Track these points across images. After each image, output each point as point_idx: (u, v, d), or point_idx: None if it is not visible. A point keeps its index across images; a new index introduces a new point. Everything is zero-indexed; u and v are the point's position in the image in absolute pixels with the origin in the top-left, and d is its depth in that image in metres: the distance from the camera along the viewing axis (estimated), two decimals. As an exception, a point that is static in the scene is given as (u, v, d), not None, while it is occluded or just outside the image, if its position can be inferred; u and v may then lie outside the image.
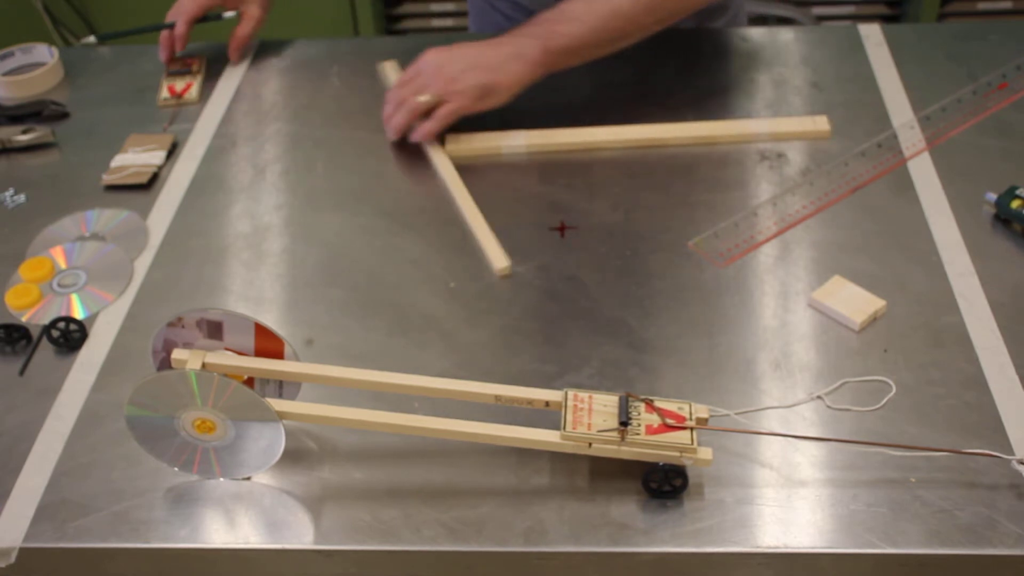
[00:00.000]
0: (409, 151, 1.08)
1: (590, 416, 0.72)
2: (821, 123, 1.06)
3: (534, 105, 1.10)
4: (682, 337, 0.85)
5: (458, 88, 1.02)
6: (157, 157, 1.09)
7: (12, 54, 1.26)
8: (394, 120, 1.05)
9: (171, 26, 1.17)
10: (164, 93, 1.18)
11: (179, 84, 1.18)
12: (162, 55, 1.20)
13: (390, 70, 1.18)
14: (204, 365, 0.73)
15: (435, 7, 2.33)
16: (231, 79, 1.22)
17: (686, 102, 1.12)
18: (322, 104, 1.16)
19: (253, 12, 1.18)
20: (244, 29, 1.19)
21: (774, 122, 1.06)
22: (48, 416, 0.82)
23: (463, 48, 1.04)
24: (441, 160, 1.04)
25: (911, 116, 1.07)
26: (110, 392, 0.84)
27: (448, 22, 2.34)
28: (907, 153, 1.02)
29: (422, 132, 1.04)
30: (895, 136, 1.04)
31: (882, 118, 1.07)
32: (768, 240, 0.93)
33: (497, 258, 0.93)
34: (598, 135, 1.06)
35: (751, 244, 0.93)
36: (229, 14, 1.17)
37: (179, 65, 1.22)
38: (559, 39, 1.04)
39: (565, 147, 1.06)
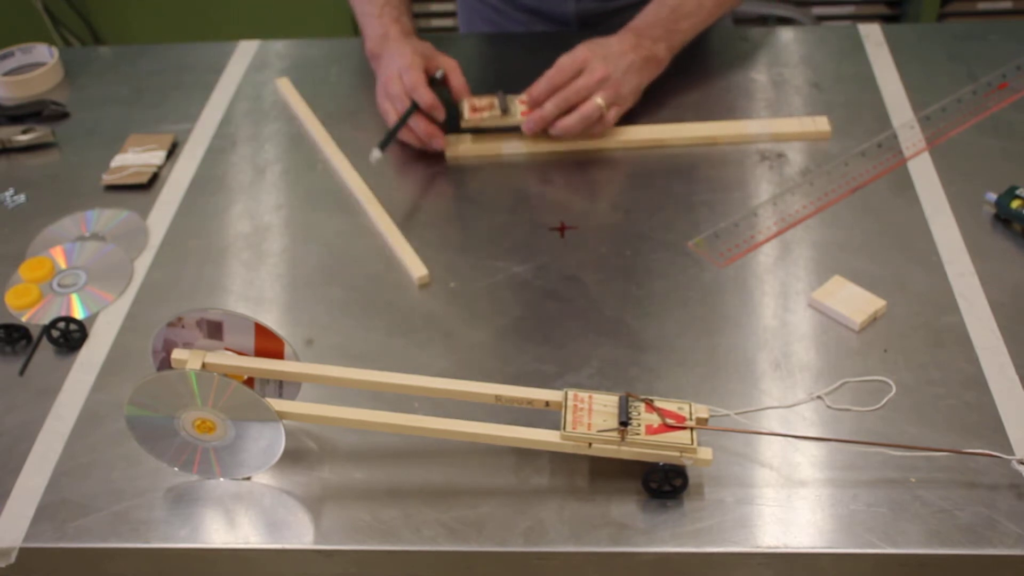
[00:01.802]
0: (408, 151, 1.08)
1: (590, 416, 0.72)
2: (821, 124, 1.06)
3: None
4: (682, 337, 0.85)
5: (623, 92, 1.04)
6: (157, 157, 1.09)
7: (12, 54, 1.26)
8: (567, 122, 1.02)
9: (416, 107, 1.03)
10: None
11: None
12: (439, 144, 1.05)
13: (285, 87, 1.19)
14: (204, 365, 0.73)
15: (435, 7, 2.33)
16: (231, 79, 1.22)
17: (686, 102, 1.12)
18: (322, 104, 1.16)
19: (450, 63, 1.07)
20: (459, 78, 1.07)
21: (775, 123, 1.06)
22: (48, 416, 0.82)
23: (611, 47, 1.04)
24: (351, 176, 1.04)
25: (911, 116, 1.07)
26: (110, 392, 0.84)
27: (448, 22, 2.35)
28: (907, 153, 1.02)
29: (565, 127, 1.02)
30: (895, 136, 1.04)
31: (882, 118, 1.07)
32: (768, 240, 0.93)
33: (416, 267, 0.93)
34: (598, 139, 1.06)
35: (751, 244, 0.93)
36: (439, 73, 1.06)
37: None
38: (681, 36, 1.08)
39: (566, 148, 1.06)
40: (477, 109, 1.05)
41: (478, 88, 1.08)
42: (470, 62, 1.18)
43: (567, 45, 1.05)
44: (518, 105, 1.05)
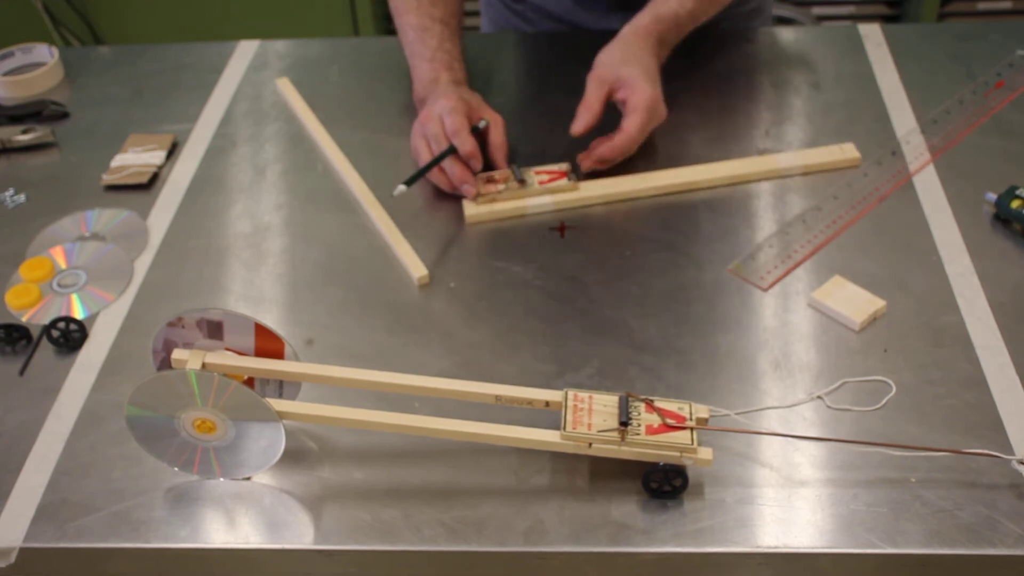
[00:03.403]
0: (407, 151, 1.08)
1: (590, 416, 0.72)
2: (850, 151, 1.02)
3: (542, 138, 1.10)
4: (682, 337, 0.85)
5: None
6: (157, 157, 1.09)
7: (12, 54, 1.26)
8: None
9: (453, 150, 0.99)
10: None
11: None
12: (469, 192, 0.99)
13: (285, 87, 1.19)
14: (204, 365, 0.73)
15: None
16: (231, 79, 1.22)
17: (686, 102, 1.12)
18: (322, 104, 1.16)
19: (495, 116, 1.04)
20: (500, 135, 1.03)
21: (804, 154, 1.02)
22: (48, 416, 0.82)
23: (653, 69, 1.02)
24: (351, 176, 1.04)
25: (913, 117, 1.07)
26: (110, 392, 0.84)
27: (472, 20, 2.34)
28: (924, 158, 1.01)
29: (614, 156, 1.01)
30: (911, 143, 1.03)
31: (882, 118, 1.07)
32: (807, 258, 0.91)
33: (416, 267, 0.92)
34: (628, 184, 1.00)
35: (790, 264, 0.91)
36: (482, 123, 1.01)
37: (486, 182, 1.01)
38: (663, 27, 1.07)
39: (593, 200, 1.00)
40: (493, 181, 1.00)
41: (498, 92, 1.07)
42: (491, 63, 1.18)
43: (596, 45, 1.03)
44: (534, 175, 1.01)
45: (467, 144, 0.99)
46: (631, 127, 0.99)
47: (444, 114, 1.00)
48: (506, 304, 0.89)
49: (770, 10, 1.36)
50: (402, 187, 0.96)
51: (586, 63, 1.03)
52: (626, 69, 1.00)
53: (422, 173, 0.99)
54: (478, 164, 1.00)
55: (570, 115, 1.01)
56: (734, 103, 1.12)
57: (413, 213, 1.00)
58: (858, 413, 0.77)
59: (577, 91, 1.01)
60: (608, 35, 1.06)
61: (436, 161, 0.99)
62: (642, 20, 1.06)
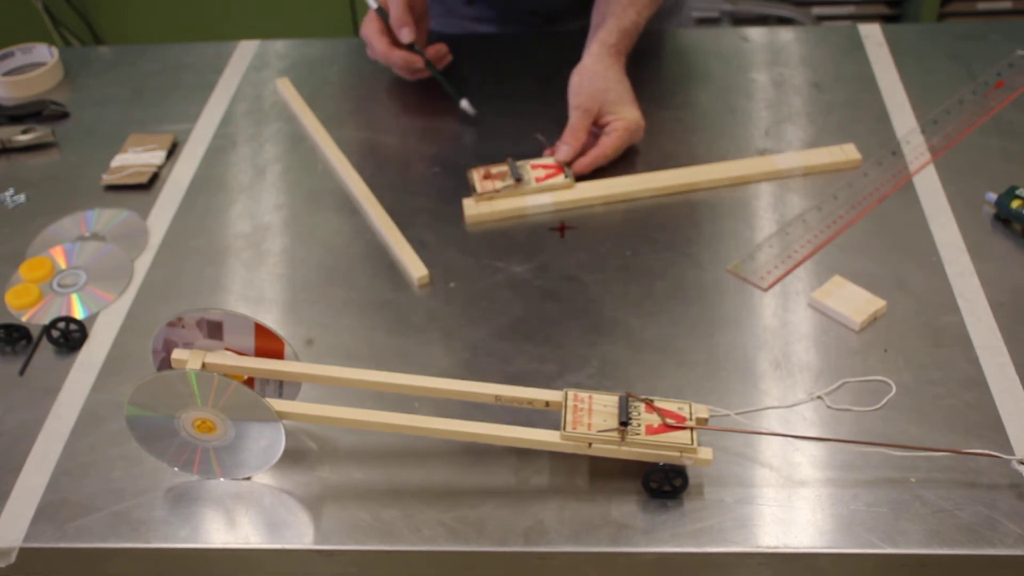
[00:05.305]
0: (407, 151, 1.08)
1: (590, 416, 0.72)
2: (850, 152, 1.02)
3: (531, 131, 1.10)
4: (682, 337, 0.85)
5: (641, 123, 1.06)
6: (157, 157, 1.09)
7: (12, 54, 1.26)
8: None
9: (423, 53, 1.13)
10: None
11: None
12: (405, 36, 1.11)
13: (285, 87, 1.19)
14: (204, 365, 0.73)
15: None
16: (231, 79, 1.22)
17: (687, 102, 1.12)
18: (322, 104, 1.16)
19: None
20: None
21: (805, 155, 1.02)
22: (48, 416, 0.82)
23: (631, 90, 1.05)
24: (351, 176, 1.04)
25: (913, 117, 1.07)
26: (110, 392, 0.84)
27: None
28: (923, 159, 1.01)
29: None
30: (911, 143, 1.03)
31: (882, 118, 1.07)
32: (807, 258, 0.91)
33: (416, 267, 0.92)
34: (628, 184, 1.00)
35: (790, 264, 0.91)
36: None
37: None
38: (629, 40, 1.08)
39: (593, 200, 1.00)
40: (489, 177, 1.00)
41: (497, 89, 1.07)
42: (494, 60, 1.18)
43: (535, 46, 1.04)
44: (531, 170, 1.01)
45: (399, 11, 1.10)
46: (607, 146, 1.02)
47: (392, 21, 1.12)
48: (506, 304, 0.89)
49: (688, 11, 1.35)
50: (464, 101, 1.11)
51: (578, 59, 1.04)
52: (610, 96, 1.03)
53: (450, 85, 1.12)
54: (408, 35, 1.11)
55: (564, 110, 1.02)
56: (734, 103, 1.12)
57: (413, 213, 1.00)
58: (858, 413, 0.77)
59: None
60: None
61: (434, 70, 1.13)
62: (611, 37, 1.06)
